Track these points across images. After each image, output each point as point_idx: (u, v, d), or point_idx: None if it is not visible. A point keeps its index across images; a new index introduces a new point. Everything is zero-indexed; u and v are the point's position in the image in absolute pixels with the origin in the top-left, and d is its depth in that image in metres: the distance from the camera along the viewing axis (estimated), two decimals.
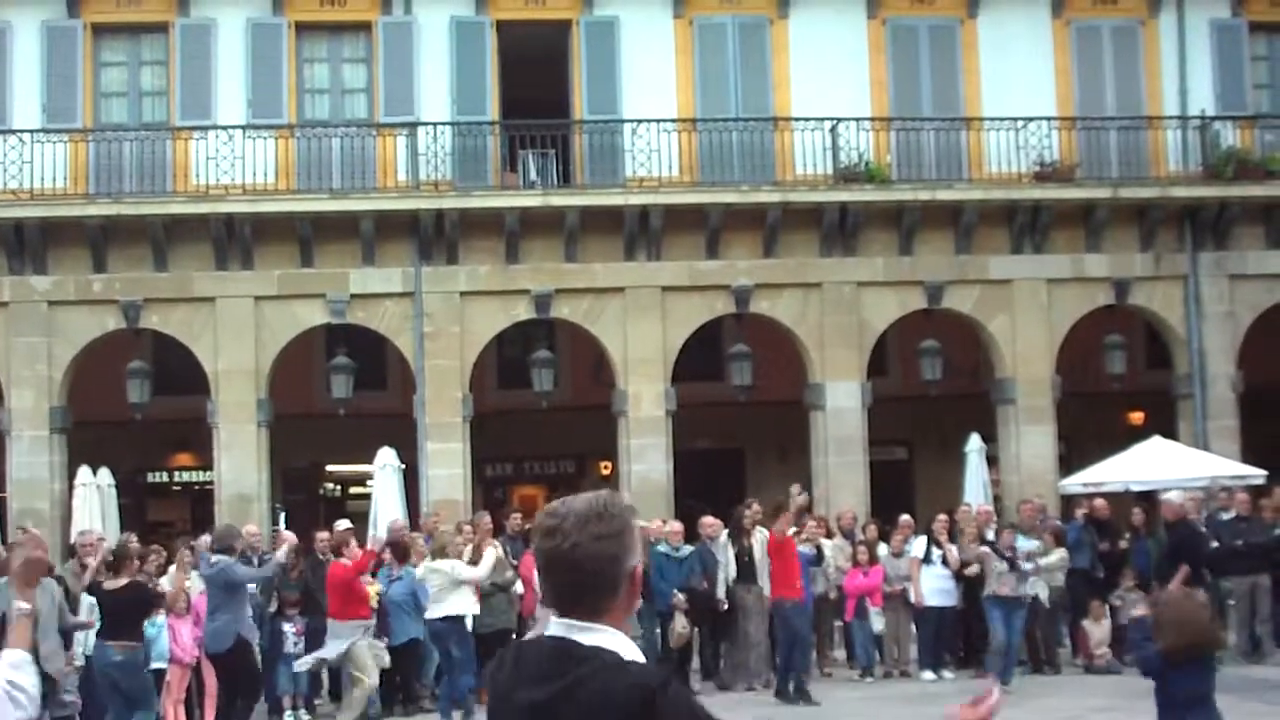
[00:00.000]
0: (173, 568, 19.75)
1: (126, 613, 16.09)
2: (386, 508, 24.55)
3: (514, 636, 21.08)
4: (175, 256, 27.76)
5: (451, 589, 19.23)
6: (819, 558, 22.35)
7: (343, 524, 22.39)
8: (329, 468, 34.34)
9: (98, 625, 16.32)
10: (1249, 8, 30.68)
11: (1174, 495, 21.10)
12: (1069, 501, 26.18)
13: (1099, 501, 23.96)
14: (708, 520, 22.27)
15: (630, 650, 3.55)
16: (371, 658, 18.65)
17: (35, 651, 5.57)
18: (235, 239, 27.63)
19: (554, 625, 3.62)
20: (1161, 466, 25.21)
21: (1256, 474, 25.19)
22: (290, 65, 28.66)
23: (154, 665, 17.83)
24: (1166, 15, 30.33)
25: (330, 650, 18.65)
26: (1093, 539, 23.20)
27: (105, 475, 25.47)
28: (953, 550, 22.14)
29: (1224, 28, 30.47)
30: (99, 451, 26.42)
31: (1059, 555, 22.55)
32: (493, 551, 19.75)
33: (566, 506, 3.65)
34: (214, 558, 16.74)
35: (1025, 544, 21.66)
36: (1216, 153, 29.63)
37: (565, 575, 3.62)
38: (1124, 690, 19.67)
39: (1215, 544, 22.20)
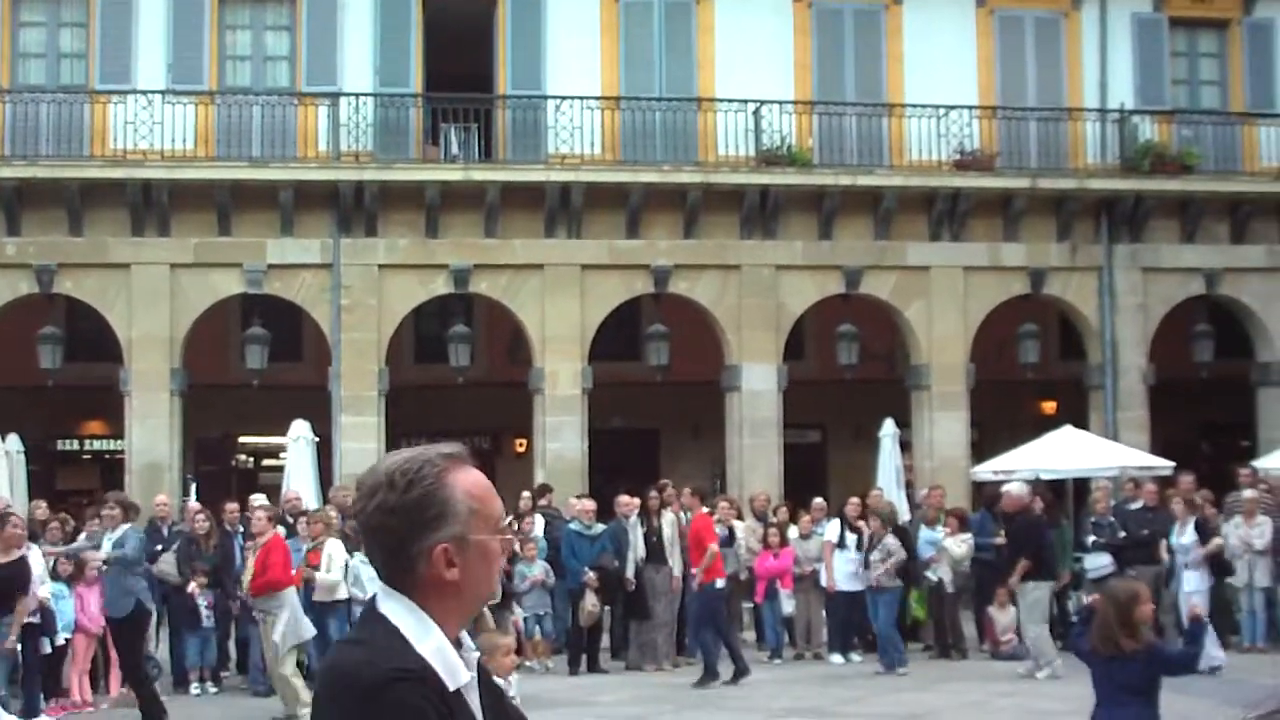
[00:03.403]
0: (82, 535, 19.66)
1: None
2: (299, 480, 24.47)
3: None
4: (90, 221, 27.44)
5: None
6: (730, 539, 22.44)
7: (258, 498, 22.31)
8: (242, 439, 34.14)
9: None
10: (1169, 3, 30.97)
11: (1014, 487, 21.42)
12: (980, 488, 26.41)
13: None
14: (623, 499, 22.28)
15: (414, 629, 3.05)
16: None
17: None
18: (152, 205, 27.35)
19: (378, 587, 3.20)
20: (1072, 456, 25.45)
21: (1164, 465, 25.48)
22: (212, 31, 28.37)
23: (61, 636, 17.72)
24: (1089, 8, 30.57)
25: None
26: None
27: (15, 442, 25.18)
28: (866, 534, 22.36)
29: (1145, 22, 30.76)
30: (8, 418, 26.09)
31: (966, 544, 22.76)
32: None
33: (373, 468, 3.19)
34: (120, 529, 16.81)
35: (930, 534, 21.94)
36: (1134, 146, 29.94)
37: (364, 544, 3.24)
38: (1029, 676, 19.91)
39: (1123, 534, 22.51)
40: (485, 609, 18.86)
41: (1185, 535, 22.02)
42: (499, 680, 10.03)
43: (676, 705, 18.37)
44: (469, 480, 3.17)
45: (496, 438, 34.00)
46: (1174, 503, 23.02)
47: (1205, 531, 22.04)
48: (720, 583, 20.29)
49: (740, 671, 19.62)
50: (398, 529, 3.09)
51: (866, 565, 21.28)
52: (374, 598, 3.14)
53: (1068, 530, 23.74)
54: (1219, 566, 22.22)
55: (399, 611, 3.07)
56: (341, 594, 19.18)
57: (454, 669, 3.06)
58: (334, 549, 19.18)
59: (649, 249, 28.69)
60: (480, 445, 34.33)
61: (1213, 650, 19.39)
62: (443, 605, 3.11)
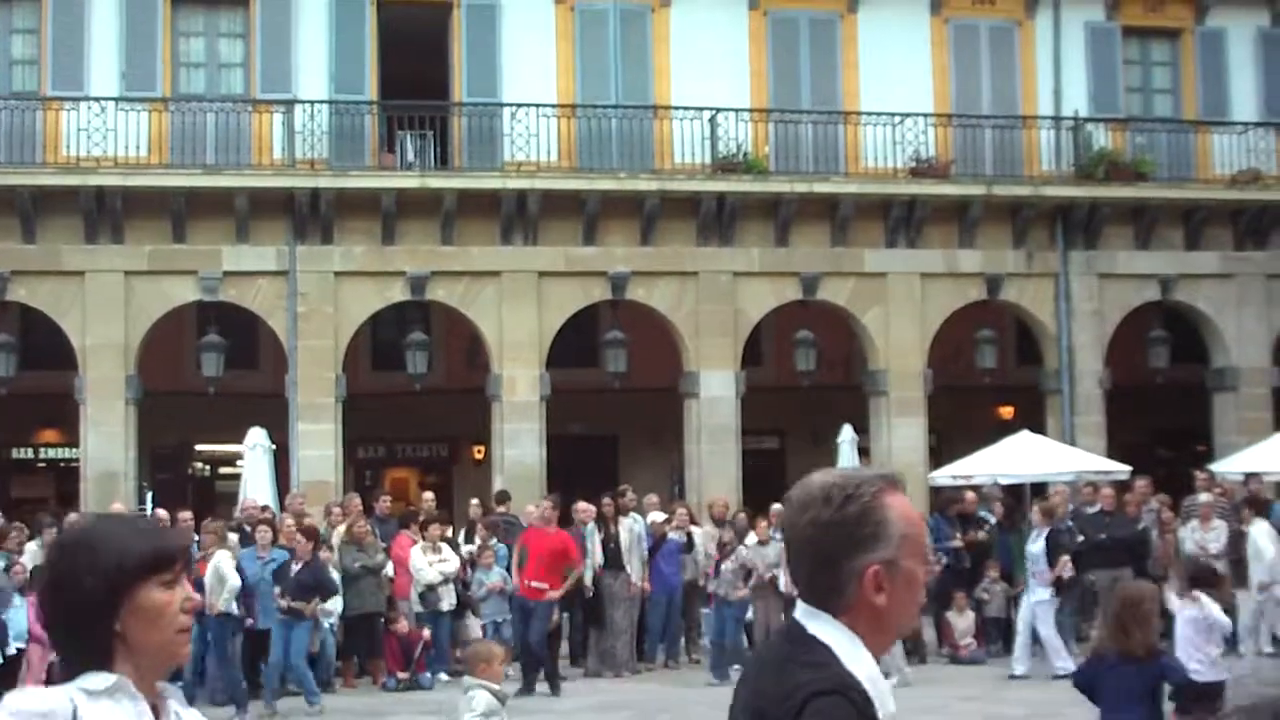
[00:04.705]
0: (32, 544, 19.53)
1: None
2: (256, 488, 24.37)
3: (381, 620, 21.04)
4: (44, 229, 27.22)
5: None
6: (689, 545, 22.45)
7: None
8: (198, 447, 33.94)
9: None
10: (1123, 12, 31.16)
11: None
12: (938, 493, 26.45)
13: (969, 495, 24.29)
14: (581, 505, 22.26)
15: (848, 651, 2.97)
16: None
17: None
18: (106, 213, 27.14)
19: (798, 606, 3.13)
20: (1029, 461, 25.54)
21: (1121, 469, 25.60)
22: (165, 37, 28.19)
23: (14, 645, 17.55)
24: (1042, 17, 30.72)
25: None
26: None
27: None
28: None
29: (1098, 31, 30.94)
30: None
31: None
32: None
33: (804, 483, 3.19)
34: None
35: None
36: (1088, 154, 30.08)
37: (790, 559, 3.18)
38: (987, 680, 20.01)
39: (1081, 538, 22.56)
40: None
41: (1036, 544, 21.92)
42: (496, 688, 9.84)
43: (636, 712, 18.34)
44: (903, 504, 3.10)
45: (454, 445, 33.94)
46: (1031, 511, 22.92)
47: (1057, 544, 21.81)
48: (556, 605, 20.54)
49: (537, 686, 19.91)
50: (830, 545, 3.03)
51: (716, 573, 21.42)
52: (797, 621, 3.07)
53: (1026, 535, 23.78)
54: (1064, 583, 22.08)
55: (830, 632, 3.00)
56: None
57: (885, 697, 2.98)
58: (221, 560, 18.87)
59: (606, 256, 28.66)
60: (438, 452, 34.37)
61: (1057, 661, 19.72)
62: (867, 630, 3.02)
